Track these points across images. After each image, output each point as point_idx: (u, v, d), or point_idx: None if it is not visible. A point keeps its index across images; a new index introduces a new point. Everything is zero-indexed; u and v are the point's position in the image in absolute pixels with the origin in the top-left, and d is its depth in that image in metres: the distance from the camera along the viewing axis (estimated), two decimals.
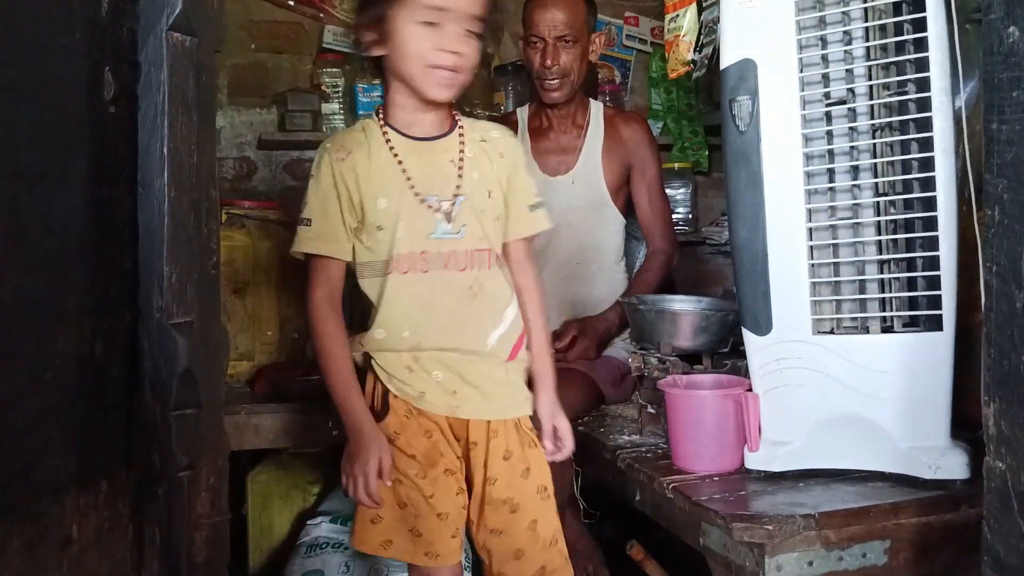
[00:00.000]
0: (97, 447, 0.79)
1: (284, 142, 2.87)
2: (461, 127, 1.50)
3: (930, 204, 1.39)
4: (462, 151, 1.47)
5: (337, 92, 2.88)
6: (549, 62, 2.22)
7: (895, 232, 1.45)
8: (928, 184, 1.39)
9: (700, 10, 2.13)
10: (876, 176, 1.46)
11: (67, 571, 0.75)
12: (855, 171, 1.48)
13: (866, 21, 1.46)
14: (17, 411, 0.70)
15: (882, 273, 1.46)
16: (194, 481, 0.84)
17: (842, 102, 1.48)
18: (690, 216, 3.06)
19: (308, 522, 2.22)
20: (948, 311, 1.38)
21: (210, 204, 0.88)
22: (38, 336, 0.72)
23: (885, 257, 1.45)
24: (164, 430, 0.82)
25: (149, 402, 0.82)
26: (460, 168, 1.46)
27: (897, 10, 1.44)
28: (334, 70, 2.89)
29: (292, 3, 2.94)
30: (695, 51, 2.16)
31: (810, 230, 1.47)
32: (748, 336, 1.52)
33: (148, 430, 0.82)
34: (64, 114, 0.77)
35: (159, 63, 0.84)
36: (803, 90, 1.47)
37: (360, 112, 2.87)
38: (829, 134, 1.48)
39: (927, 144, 1.39)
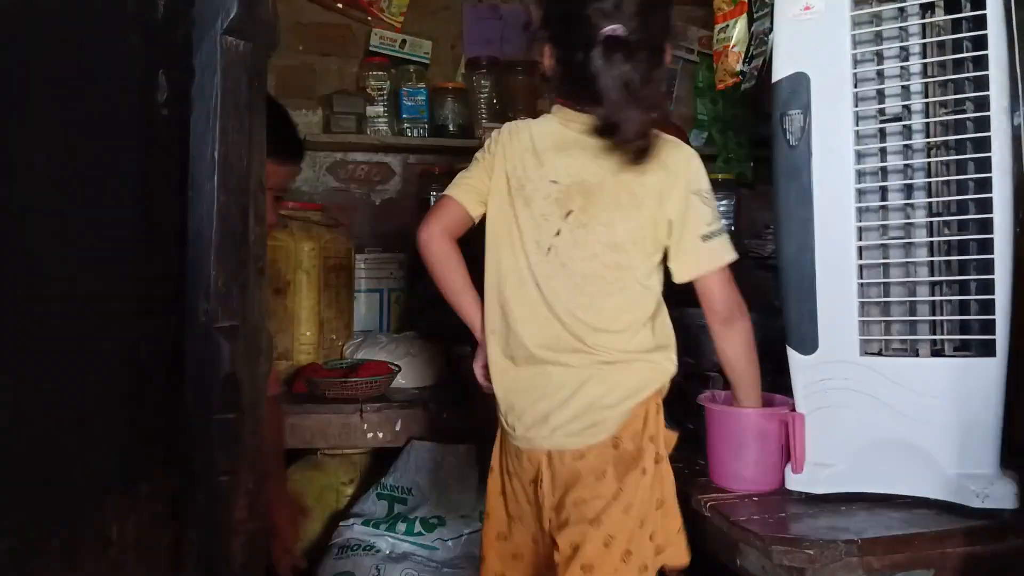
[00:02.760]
0: (138, 450, 0.79)
1: (329, 144, 2.89)
2: None
3: (986, 226, 1.36)
4: None
5: (382, 95, 2.90)
6: None
7: (948, 253, 1.42)
8: (984, 205, 1.36)
9: (750, 21, 2.11)
10: (930, 195, 1.43)
11: (105, 573, 0.75)
12: (908, 190, 1.45)
13: (924, 37, 1.43)
14: (60, 412, 0.70)
15: (934, 295, 1.42)
16: (233, 486, 0.83)
17: (897, 119, 1.45)
18: (732, 228, 3.03)
19: (340, 523, 2.23)
20: (1001, 337, 1.35)
21: (258, 209, 0.88)
22: (83, 338, 0.72)
23: (937, 279, 1.42)
24: (205, 434, 0.82)
25: (191, 406, 0.82)
26: None
27: (956, 27, 1.41)
28: (380, 73, 2.90)
29: (340, 6, 2.96)
30: (744, 62, 2.13)
31: (860, 249, 1.44)
32: (793, 355, 1.49)
33: (189, 434, 0.82)
34: (116, 116, 0.77)
35: (213, 67, 0.84)
36: (857, 106, 1.44)
37: (404, 115, 2.88)
38: (883, 151, 1.45)
39: (984, 164, 1.36)
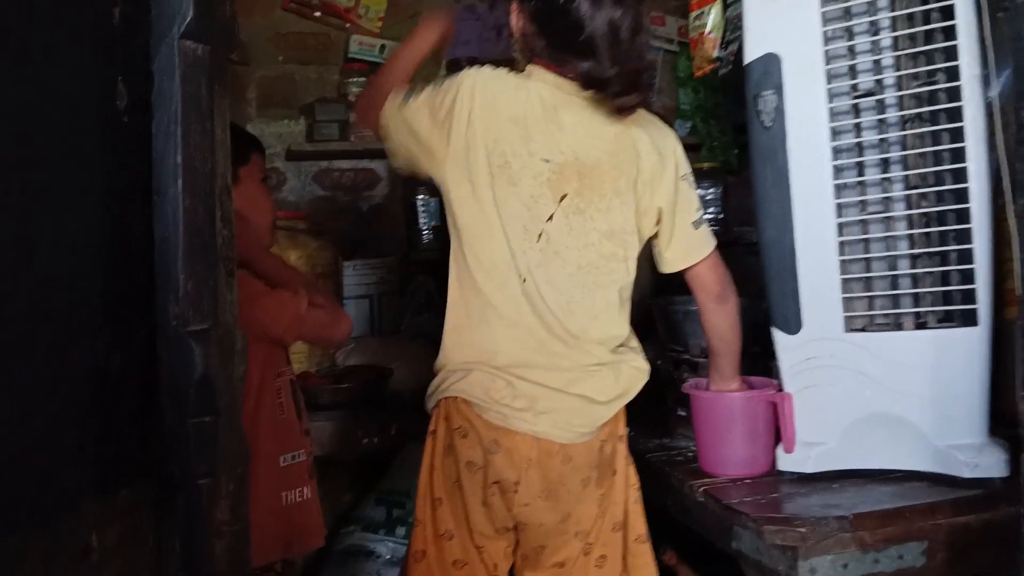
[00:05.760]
0: (116, 456, 0.79)
1: (312, 152, 2.89)
2: None
3: (963, 196, 1.36)
4: None
5: None
6: None
7: (927, 225, 1.42)
8: (960, 176, 1.36)
9: (725, 7, 2.11)
10: (907, 169, 1.43)
11: None
12: (885, 164, 1.45)
13: (893, 10, 1.43)
14: (32, 422, 0.70)
15: (915, 268, 1.42)
16: (213, 489, 0.84)
17: (870, 94, 1.45)
18: (720, 216, 3.03)
19: (340, 530, 2.23)
20: (983, 305, 1.35)
21: (225, 211, 0.88)
22: (52, 348, 0.72)
23: (917, 251, 1.42)
24: (182, 438, 0.82)
25: (167, 410, 0.82)
26: None
27: None
28: (361, 79, 2.90)
29: (318, 15, 2.96)
30: (721, 48, 2.13)
31: (839, 226, 1.44)
32: (778, 335, 1.49)
33: (166, 438, 0.82)
34: (77, 127, 0.78)
35: (171, 72, 0.84)
36: (829, 83, 1.44)
37: None
38: (857, 127, 1.45)
39: (958, 135, 1.36)
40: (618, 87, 1.29)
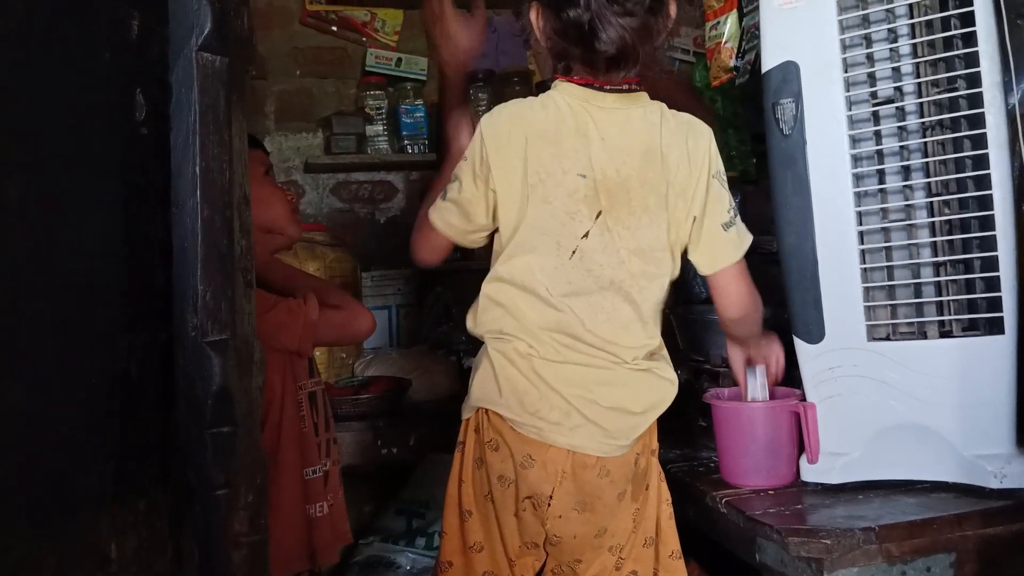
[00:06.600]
0: (133, 465, 0.79)
1: (330, 165, 2.90)
2: None
3: (986, 203, 1.34)
4: None
5: (381, 114, 2.91)
6: None
7: (950, 233, 1.40)
8: (983, 182, 1.35)
9: (741, 16, 2.10)
10: (928, 176, 1.42)
11: None
12: (906, 171, 1.44)
13: (911, 17, 1.42)
14: (49, 429, 0.70)
15: (938, 275, 1.41)
16: (231, 499, 0.83)
17: (889, 101, 1.44)
18: None
19: (360, 541, 2.22)
20: (1009, 313, 1.33)
21: (243, 222, 0.88)
22: (70, 355, 0.72)
23: (941, 259, 1.40)
24: (200, 448, 0.82)
25: (184, 420, 0.82)
26: None
27: (943, 5, 1.40)
28: (378, 92, 2.92)
29: (335, 29, 2.98)
30: (737, 57, 2.13)
31: (861, 234, 1.43)
32: (800, 344, 1.48)
33: (184, 448, 0.82)
34: (94, 137, 0.78)
35: (189, 83, 0.84)
36: (848, 90, 1.43)
37: (404, 132, 2.89)
38: (877, 134, 1.44)
39: (980, 141, 1.35)
40: (605, 38, 1.25)
